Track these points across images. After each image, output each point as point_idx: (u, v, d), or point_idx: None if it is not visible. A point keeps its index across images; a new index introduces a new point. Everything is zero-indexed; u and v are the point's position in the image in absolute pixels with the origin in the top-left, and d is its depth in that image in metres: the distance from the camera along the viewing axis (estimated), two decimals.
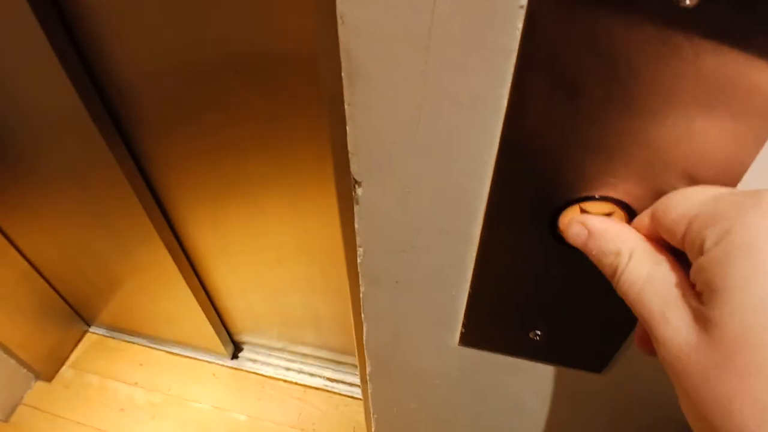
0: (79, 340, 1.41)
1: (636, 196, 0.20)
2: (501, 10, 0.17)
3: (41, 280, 1.26)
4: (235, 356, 1.32)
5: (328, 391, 1.24)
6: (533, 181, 0.21)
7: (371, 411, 0.44)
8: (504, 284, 0.26)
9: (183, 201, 0.97)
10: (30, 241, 1.16)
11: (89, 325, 1.43)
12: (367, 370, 0.38)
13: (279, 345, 1.30)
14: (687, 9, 0.16)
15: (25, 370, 1.30)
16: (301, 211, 0.92)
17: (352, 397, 1.22)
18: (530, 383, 0.34)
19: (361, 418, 1.19)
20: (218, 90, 0.74)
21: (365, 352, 0.36)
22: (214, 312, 1.23)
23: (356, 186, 0.23)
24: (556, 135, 0.20)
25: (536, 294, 0.26)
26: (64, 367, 1.35)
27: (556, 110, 0.19)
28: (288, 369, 1.28)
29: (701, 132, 0.18)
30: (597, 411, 0.33)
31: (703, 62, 0.17)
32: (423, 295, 0.29)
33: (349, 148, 0.22)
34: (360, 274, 0.29)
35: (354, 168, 0.23)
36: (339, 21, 0.19)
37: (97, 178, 0.90)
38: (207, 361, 1.32)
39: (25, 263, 1.21)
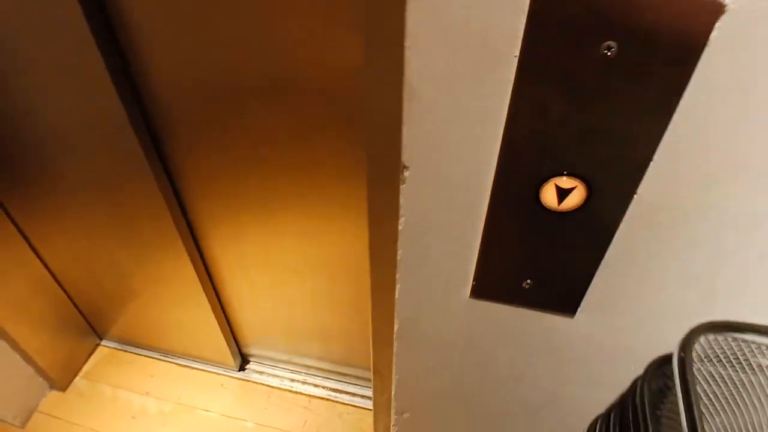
0: (92, 353, 1.47)
1: (591, 174, 0.31)
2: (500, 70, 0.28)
3: (59, 290, 1.34)
4: (242, 368, 1.39)
5: (331, 400, 1.31)
6: (523, 166, 0.32)
7: (394, 372, 0.54)
8: (505, 244, 0.36)
9: (207, 216, 1.07)
10: (51, 250, 1.24)
11: (101, 339, 1.50)
12: (395, 328, 0.47)
13: (284, 357, 1.37)
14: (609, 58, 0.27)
15: (40, 379, 1.36)
16: (315, 230, 1.02)
17: (355, 406, 1.29)
18: (523, 336, 0.44)
19: (363, 425, 1.26)
20: (247, 112, 0.84)
21: (395, 313, 0.46)
22: (226, 324, 1.31)
23: (404, 170, 0.34)
24: (537, 138, 0.31)
25: (527, 250, 0.36)
26: (77, 378, 1.41)
27: (537, 123, 0.30)
28: (293, 380, 1.36)
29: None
30: (573, 354, 0.43)
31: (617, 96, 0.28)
32: (445, 259, 0.39)
33: (404, 142, 0.32)
34: (399, 242, 0.39)
35: (405, 157, 0.33)
36: (407, 87, 0.30)
37: (132, 192, 0.99)
38: (215, 373, 1.39)
39: (45, 272, 1.28)
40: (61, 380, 1.38)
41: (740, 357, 0.38)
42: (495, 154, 0.31)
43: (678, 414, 0.35)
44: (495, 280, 0.39)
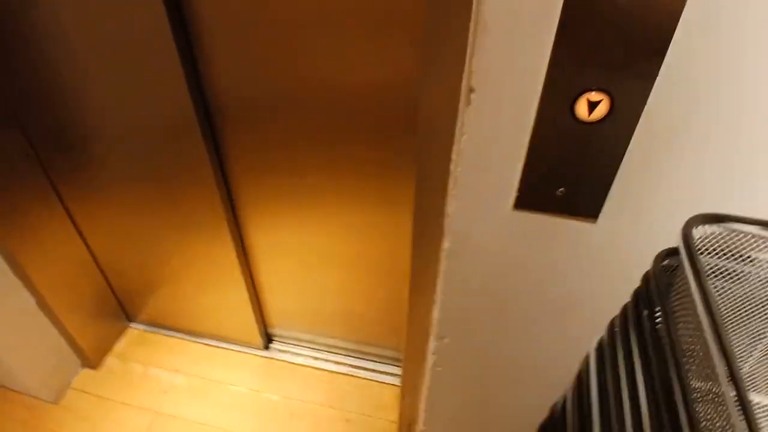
0: (121, 334, 1.54)
1: (614, 88, 0.42)
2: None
3: (99, 274, 1.42)
4: (266, 347, 1.47)
5: (352, 375, 1.39)
6: (562, 84, 0.42)
7: (439, 293, 0.63)
8: (544, 156, 0.47)
9: (251, 205, 1.17)
10: (96, 235, 1.33)
11: (130, 321, 1.57)
12: (445, 246, 0.57)
13: (307, 337, 1.46)
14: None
15: (75, 356, 1.43)
16: (347, 224, 1.13)
17: (374, 381, 1.37)
18: (555, 242, 0.54)
19: (384, 397, 1.34)
20: (293, 115, 0.96)
21: (446, 228, 0.56)
22: (257, 306, 1.40)
23: (471, 92, 0.44)
24: (574, 60, 0.41)
25: (561, 160, 0.46)
26: (108, 356, 1.48)
27: (574, 50, 0.41)
28: (315, 358, 1.44)
29: None
30: (596, 256, 0.54)
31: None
32: (495, 174, 0.50)
33: (473, 68, 0.43)
34: (458, 160, 0.50)
35: (473, 82, 0.44)
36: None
37: (188, 181, 1.10)
38: (241, 352, 1.47)
39: (89, 256, 1.37)
40: (93, 358, 1.45)
41: (735, 249, 0.48)
42: (542, 79, 0.42)
43: (685, 295, 0.45)
44: (534, 191, 0.49)
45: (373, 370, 1.39)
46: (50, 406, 1.38)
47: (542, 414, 0.72)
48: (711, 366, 0.41)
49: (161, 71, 0.91)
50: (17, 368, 1.31)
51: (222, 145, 1.05)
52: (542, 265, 0.55)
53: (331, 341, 1.44)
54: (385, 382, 1.37)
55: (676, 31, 0.38)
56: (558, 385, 0.64)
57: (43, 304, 1.28)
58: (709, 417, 0.41)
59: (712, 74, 0.40)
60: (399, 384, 1.35)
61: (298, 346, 1.47)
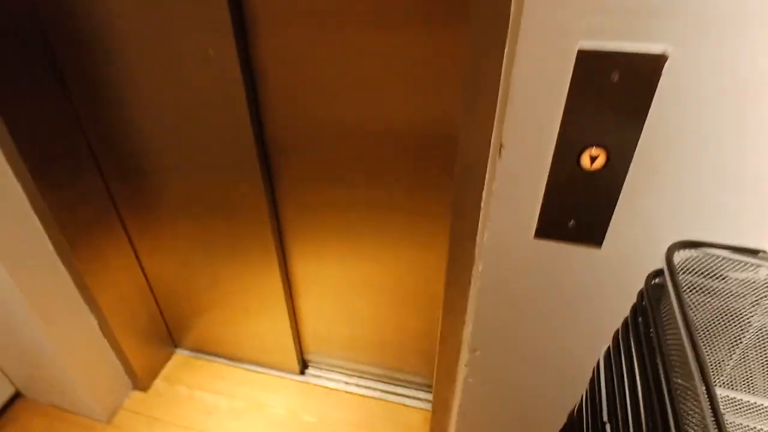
0: (168, 360, 1.67)
1: (608, 145, 0.55)
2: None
3: (152, 301, 1.56)
4: (302, 372, 1.58)
5: (383, 400, 1.49)
6: (570, 143, 0.56)
7: (470, 310, 0.76)
8: (558, 195, 0.60)
9: (297, 239, 1.31)
10: (152, 261, 1.47)
11: (176, 347, 1.70)
12: (479, 268, 0.70)
13: (340, 363, 1.56)
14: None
15: (127, 379, 1.56)
16: (386, 257, 1.26)
17: (404, 405, 1.47)
18: (567, 265, 0.66)
19: (412, 420, 1.43)
20: (345, 158, 1.10)
21: (478, 254, 0.69)
22: (296, 333, 1.52)
23: (501, 148, 0.58)
24: (578, 126, 0.55)
25: (571, 198, 0.60)
26: (157, 379, 1.60)
27: (578, 120, 0.55)
28: (347, 383, 1.54)
29: None
30: (601, 276, 0.66)
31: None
32: (520, 210, 0.63)
33: (503, 129, 0.57)
34: (491, 200, 0.63)
35: (503, 139, 0.58)
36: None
37: (243, 214, 1.24)
38: (279, 376, 1.58)
39: (145, 284, 1.52)
40: (144, 381, 1.57)
41: (711, 269, 0.61)
42: (555, 138, 0.56)
43: (670, 307, 0.57)
44: (550, 223, 0.63)
45: (403, 395, 1.49)
46: (103, 426, 1.50)
47: (562, 421, 0.83)
48: (688, 366, 0.52)
49: (228, 108, 1.05)
50: (76, 388, 1.43)
51: (275, 182, 1.20)
52: (559, 283, 0.68)
53: (363, 367, 1.54)
54: (414, 407, 1.47)
55: (653, 100, 0.52)
56: (575, 392, 0.75)
57: (104, 327, 1.42)
58: (690, 410, 0.51)
59: (683, 131, 0.53)
60: (427, 408, 1.44)
61: (332, 371, 1.57)
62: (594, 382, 0.74)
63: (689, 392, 0.52)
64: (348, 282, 1.34)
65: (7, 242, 1.13)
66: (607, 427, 0.63)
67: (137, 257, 1.46)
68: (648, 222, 0.60)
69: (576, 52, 0.50)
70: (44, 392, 1.52)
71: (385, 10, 0.88)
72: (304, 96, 1.04)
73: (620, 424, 0.61)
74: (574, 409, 0.82)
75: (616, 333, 0.69)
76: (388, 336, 1.43)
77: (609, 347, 0.71)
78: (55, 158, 1.14)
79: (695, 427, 0.49)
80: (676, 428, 0.51)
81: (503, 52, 0.56)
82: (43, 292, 1.23)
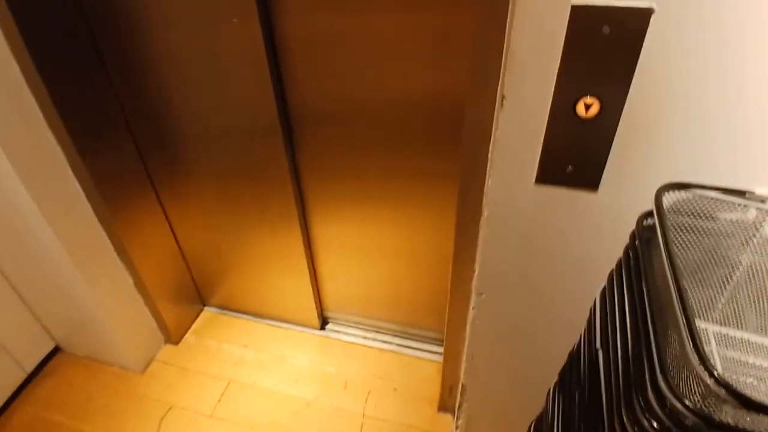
0: (197, 316, 1.78)
1: (602, 94, 0.60)
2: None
3: (183, 262, 1.66)
4: (322, 327, 1.68)
5: (399, 353, 1.58)
6: (566, 92, 0.61)
7: (478, 255, 0.82)
8: (556, 142, 0.65)
9: (317, 204, 1.39)
10: (183, 226, 1.57)
11: (205, 305, 1.81)
12: (484, 214, 0.76)
13: (358, 319, 1.65)
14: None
15: (160, 333, 1.67)
16: (401, 220, 1.33)
17: (419, 358, 1.56)
18: (566, 209, 0.72)
19: (427, 372, 1.52)
20: (360, 125, 1.16)
21: (485, 200, 0.75)
22: (316, 292, 1.61)
23: (503, 99, 0.64)
24: (574, 75, 0.60)
25: (569, 145, 0.65)
26: (187, 334, 1.72)
27: (574, 68, 0.60)
28: (365, 338, 1.63)
29: None
30: (597, 219, 0.71)
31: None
32: (521, 157, 0.69)
33: (505, 81, 0.62)
34: (493, 145, 0.69)
35: (505, 91, 0.63)
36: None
37: (267, 180, 1.32)
38: (301, 332, 1.68)
39: (176, 247, 1.62)
40: (175, 335, 1.69)
41: (703, 210, 0.66)
42: (552, 89, 0.61)
43: (658, 246, 0.62)
44: (550, 169, 0.68)
45: (418, 349, 1.58)
46: (138, 376, 1.61)
47: (563, 361, 0.90)
48: (670, 297, 0.57)
49: (254, 86, 1.13)
50: (114, 342, 1.54)
51: (297, 150, 1.27)
52: (559, 227, 0.73)
53: (380, 323, 1.63)
54: (427, 359, 1.55)
55: (641, 52, 0.56)
56: (575, 335, 0.81)
57: (140, 286, 1.52)
58: (671, 337, 0.56)
59: (670, 80, 0.58)
60: (440, 360, 1.53)
61: (350, 327, 1.66)
62: (591, 319, 0.80)
63: (671, 321, 0.58)
64: (364, 243, 1.42)
65: (52, 205, 1.21)
66: (600, 353, 0.69)
67: (169, 222, 1.56)
68: (641, 167, 0.65)
69: (570, 7, 0.55)
70: (83, 346, 1.64)
71: None
72: (324, 67, 1.10)
73: (611, 350, 0.68)
74: (574, 348, 0.89)
75: (611, 273, 0.75)
76: (404, 294, 1.51)
77: (605, 286, 0.77)
78: (94, 128, 1.22)
79: (675, 352, 0.55)
80: (657, 353, 0.57)
81: (506, 17, 0.61)
82: (85, 253, 1.33)
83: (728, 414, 0.44)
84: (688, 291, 0.67)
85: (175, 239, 1.60)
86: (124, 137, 1.32)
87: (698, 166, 0.64)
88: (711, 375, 0.42)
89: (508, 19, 0.62)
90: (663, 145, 0.63)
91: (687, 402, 0.46)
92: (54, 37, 1.07)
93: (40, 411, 1.50)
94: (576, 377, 0.79)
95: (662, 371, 0.49)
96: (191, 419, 1.46)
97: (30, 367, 1.59)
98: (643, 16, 0.53)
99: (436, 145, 1.14)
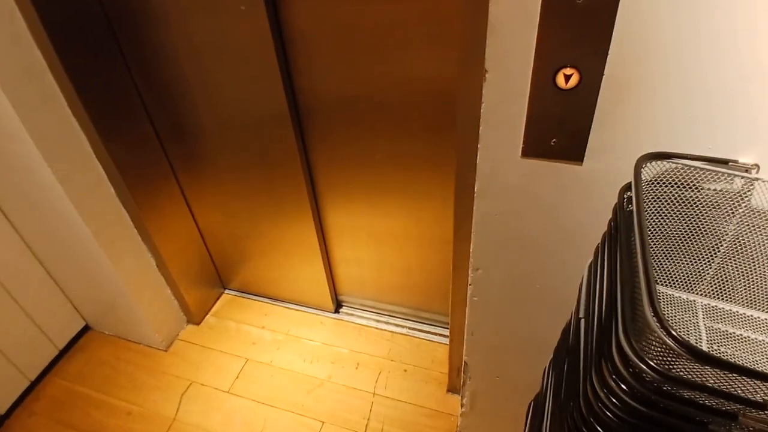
0: (218, 298, 1.85)
1: (581, 64, 0.61)
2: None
3: (203, 246, 1.73)
4: (337, 311, 1.72)
5: (411, 336, 1.60)
6: (545, 63, 0.62)
7: (473, 230, 0.84)
8: (539, 115, 0.66)
9: (329, 192, 1.42)
10: (204, 214, 1.63)
11: (224, 288, 1.87)
12: (476, 188, 0.78)
13: (371, 303, 1.69)
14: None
15: (182, 314, 1.74)
16: (410, 208, 1.35)
17: (428, 341, 1.58)
18: (553, 181, 0.73)
19: (436, 354, 1.54)
20: (367, 116, 1.19)
21: (477, 174, 0.76)
22: (330, 276, 1.65)
23: (486, 73, 0.65)
24: (553, 47, 0.61)
25: (551, 118, 0.66)
26: (208, 315, 1.79)
27: (552, 39, 0.61)
28: (378, 321, 1.66)
29: None
30: (583, 190, 0.72)
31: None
32: (505, 131, 0.70)
33: (486, 55, 0.64)
34: (481, 122, 0.70)
35: (487, 65, 0.65)
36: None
37: (281, 170, 1.36)
38: (316, 314, 1.72)
39: (197, 231, 1.68)
40: (197, 316, 1.76)
41: (686, 181, 0.66)
42: (531, 61, 0.62)
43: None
44: (535, 142, 0.69)
45: (428, 332, 1.60)
46: (162, 353, 1.69)
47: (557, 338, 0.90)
48: (637, 263, 0.57)
49: (263, 74, 1.18)
50: (140, 321, 1.62)
51: (307, 139, 1.30)
52: (547, 200, 0.74)
53: (391, 307, 1.66)
54: (437, 342, 1.57)
55: (616, 20, 0.57)
56: (569, 312, 0.82)
57: (163, 269, 1.59)
58: (640, 305, 0.57)
59: (647, 48, 0.59)
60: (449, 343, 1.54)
61: (363, 310, 1.70)
62: (579, 292, 0.81)
63: (636, 285, 0.58)
64: (375, 230, 1.44)
65: (77, 187, 1.29)
66: (582, 322, 0.70)
67: (189, 207, 1.62)
68: (624, 138, 0.66)
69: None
70: (110, 325, 1.73)
71: None
72: (330, 64, 1.14)
73: (590, 318, 0.69)
74: (566, 324, 0.90)
75: (597, 246, 0.75)
76: (414, 278, 1.53)
77: (591, 261, 0.78)
78: (115, 114, 1.29)
79: (640, 319, 0.56)
80: (622, 317, 0.57)
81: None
82: (109, 234, 1.41)
83: (685, 369, 0.45)
84: (653, 256, 0.67)
85: (196, 224, 1.67)
86: (143, 123, 1.38)
87: (680, 135, 0.64)
88: (663, 329, 0.43)
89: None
90: (644, 115, 0.63)
91: (648, 360, 0.47)
92: (74, 26, 1.13)
93: (70, 384, 1.59)
94: (564, 351, 0.80)
95: (625, 333, 0.51)
96: (210, 394, 1.52)
97: (61, 343, 1.69)
98: None
99: (445, 135, 1.15)
